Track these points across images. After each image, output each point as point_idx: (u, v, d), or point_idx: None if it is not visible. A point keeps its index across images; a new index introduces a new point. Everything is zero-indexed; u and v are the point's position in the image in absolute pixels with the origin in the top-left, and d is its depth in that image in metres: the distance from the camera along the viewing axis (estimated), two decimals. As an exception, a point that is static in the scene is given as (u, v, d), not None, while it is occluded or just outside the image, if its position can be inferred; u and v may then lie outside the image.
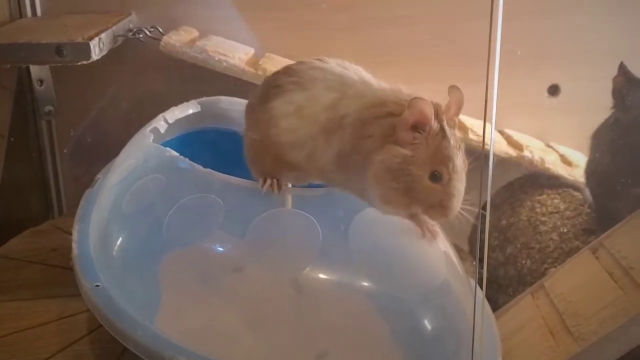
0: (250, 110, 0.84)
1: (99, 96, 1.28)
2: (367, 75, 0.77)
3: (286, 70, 0.79)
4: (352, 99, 0.73)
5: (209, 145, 1.03)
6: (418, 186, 0.69)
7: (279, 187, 0.79)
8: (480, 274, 0.69)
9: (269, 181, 0.79)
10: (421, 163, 0.68)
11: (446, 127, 0.69)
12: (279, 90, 0.77)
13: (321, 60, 0.78)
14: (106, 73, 1.24)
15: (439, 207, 0.69)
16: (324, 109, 0.74)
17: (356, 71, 0.77)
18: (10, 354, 0.85)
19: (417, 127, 0.68)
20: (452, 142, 0.69)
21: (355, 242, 0.78)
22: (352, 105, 0.73)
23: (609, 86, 1.08)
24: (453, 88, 0.71)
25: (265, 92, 0.79)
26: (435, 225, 0.79)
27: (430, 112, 0.68)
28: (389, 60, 1.23)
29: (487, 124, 0.67)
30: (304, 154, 0.76)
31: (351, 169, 0.73)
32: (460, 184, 0.69)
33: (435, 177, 0.68)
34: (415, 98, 0.67)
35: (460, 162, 0.69)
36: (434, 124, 0.68)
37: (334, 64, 0.78)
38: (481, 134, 1.17)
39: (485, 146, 0.74)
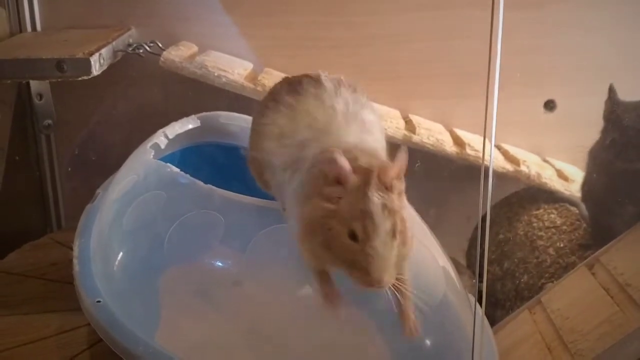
0: (255, 113, 0.84)
1: (98, 111, 1.29)
2: (364, 119, 0.75)
3: (290, 85, 0.79)
4: (320, 143, 0.71)
5: (208, 160, 1.04)
6: (338, 243, 0.64)
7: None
8: (480, 291, 0.69)
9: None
10: (342, 219, 0.64)
11: (371, 185, 0.64)
12: (274, 106, 0.77)
13: (336, 83, 0.77)
14: (105, 88, 1.24)
15: (360, 270, 0.63)
16: (297, 145, 0.73)
17: (354, 108, 0.75)
18: (11, 369, 0.85)
19: (340, 181, 0.65)
20: (374, 199, 0.63)
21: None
22: (314, 150, 0.71)
23: (602, 101, 1.09)
24: (401, 149, 0.66)
25: (265, 102, 0.80)
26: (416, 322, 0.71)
27: (343, 165, 0.64)
28: (387, 76, 1.24)
29: (485, 139, 0.68)
30: (276, 182, 0.76)
31: (291, 216, 0.71)
32: (383, 248, 0.63)
33: (353, 235, 0.63)
34: (326, 151, 0.65)
35: (385, 224, 0.63)
36: (353, 179, 0.64)
37: (339, 98, 0.75)
38: (478, 148, 1.18)
39: (483, 161, 0.74)
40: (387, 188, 0.64)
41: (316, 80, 0.78)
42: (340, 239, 0.64)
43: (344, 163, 0.64)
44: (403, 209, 0.66)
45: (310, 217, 0.66)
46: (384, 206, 0.63)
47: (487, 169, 0.70)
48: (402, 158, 0.66)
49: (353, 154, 0.67)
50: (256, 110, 0.83)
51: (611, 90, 1.05)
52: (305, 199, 0.68)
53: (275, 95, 0.79)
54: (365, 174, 0.64)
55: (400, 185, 0.66)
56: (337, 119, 0.74)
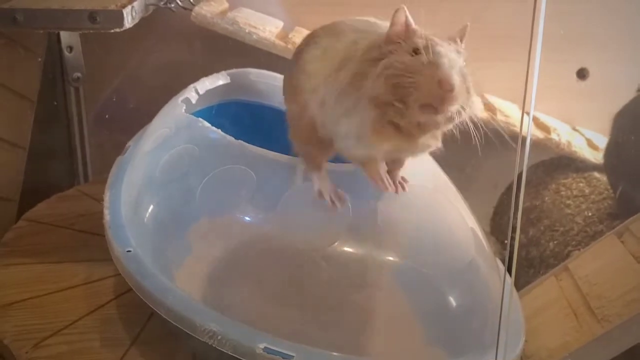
0: (287, 72, 0.83)
1: (128, 64, 1.29)
2: None
3: (325, 25, 0.78)
4: (373, 35, 0.71)
5: (237, 117, 1.03)
6: (401, 66, 0.64)
7: (341, 199, 0.78)
8: (510, 256, 0.69)
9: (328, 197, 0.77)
10: (401, 53, 0.65)
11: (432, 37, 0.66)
12: (313, 40, 0.77)
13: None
14: (136, 41, 1.24)
15: (428, 78, 0.62)
16: (344, 47, 0.72)
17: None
18: (40, 315, 0.86)
19: (402, 34, 0.67)
20: (424, 34, 0.66)
21: (384, 217, 0.78)
22: (368, 39, 0.70)
23: (637, 70, 1.07)
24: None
25: (301, 47, 0.79)
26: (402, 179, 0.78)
27: (403, 16, 0.66)
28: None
29: (521, 107, 0.67)
30: (319, 101, 0.73)
31: (344, 106, 0.70)
32: (447, 51, 0.64)
33: (415, 50, 0.64)
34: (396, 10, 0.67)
35: (447, 47, 0.65)
36: (415, 29, 0.66)
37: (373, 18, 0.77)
38: (509, 114, 1.17)
39: (521, 128, 0.73)
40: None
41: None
42: (403, 60, 0.64)
43: (403, 15, 0.66)
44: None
45: (378, 73, 0.65)
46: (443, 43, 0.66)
47: (523, 136, 0.69)
48: (464, 27, 0.69)
49: None
50: (292, 61, 0.81)
51: None
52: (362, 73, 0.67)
53: (309, 37, 0.79)
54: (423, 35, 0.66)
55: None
56: (378, 23, 0.75)
